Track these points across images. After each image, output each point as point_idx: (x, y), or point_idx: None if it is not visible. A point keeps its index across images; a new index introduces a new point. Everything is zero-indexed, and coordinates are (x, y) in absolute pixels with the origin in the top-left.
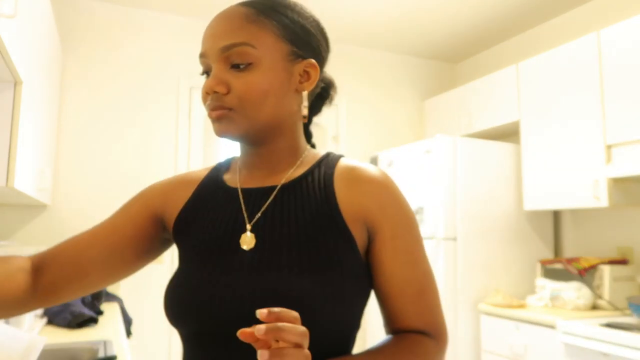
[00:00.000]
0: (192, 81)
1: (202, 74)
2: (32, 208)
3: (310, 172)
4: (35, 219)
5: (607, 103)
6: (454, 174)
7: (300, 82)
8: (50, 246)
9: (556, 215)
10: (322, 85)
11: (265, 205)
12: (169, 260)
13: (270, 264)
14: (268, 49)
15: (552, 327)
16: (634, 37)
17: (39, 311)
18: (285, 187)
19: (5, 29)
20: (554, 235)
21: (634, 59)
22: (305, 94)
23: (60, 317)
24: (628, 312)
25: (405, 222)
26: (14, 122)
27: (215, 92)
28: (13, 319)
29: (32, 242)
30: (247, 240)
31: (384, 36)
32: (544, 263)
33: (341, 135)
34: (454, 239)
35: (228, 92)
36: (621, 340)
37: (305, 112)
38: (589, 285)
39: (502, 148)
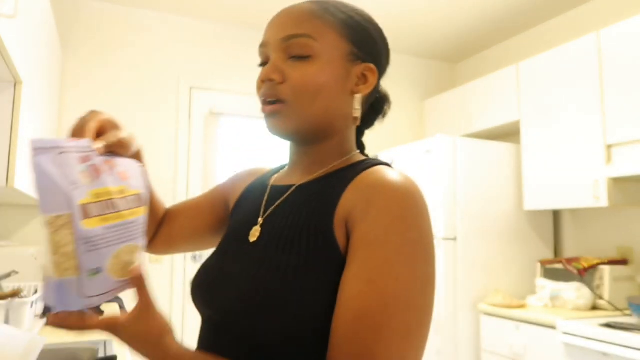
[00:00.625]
0: (192, 81)
1: (260, 65)
2: (32, 208)
3: (332, 174)
4: (36, 219)
5: (607, 103)
6: (454, 174)
7: (357, 85)
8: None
9: (556, 215)
10: (377, 96)
11: (278, 202)
12: (168, 260)
13: (260, 259)
14: (329, 44)
15: (552, 327)
16: (634, 37)
17: (39, 311)
18: (301, 186)
19: (5, 29)
20: (554, 235)
21: (634, 59)
22: (359, 96)
23: None
24: (628, 312)
25: (387, 231)
26: (14, 122)
27: (270, 80)
28: (13, 319)
29: (32, 242)
30: (254, 233)
31: None
32: (544, 263)
33: None
34: (454, 239)
35: (283, 82)
36: (621, 340)
37: (357, 114)
38: (589, 285)
39: (502, 148)
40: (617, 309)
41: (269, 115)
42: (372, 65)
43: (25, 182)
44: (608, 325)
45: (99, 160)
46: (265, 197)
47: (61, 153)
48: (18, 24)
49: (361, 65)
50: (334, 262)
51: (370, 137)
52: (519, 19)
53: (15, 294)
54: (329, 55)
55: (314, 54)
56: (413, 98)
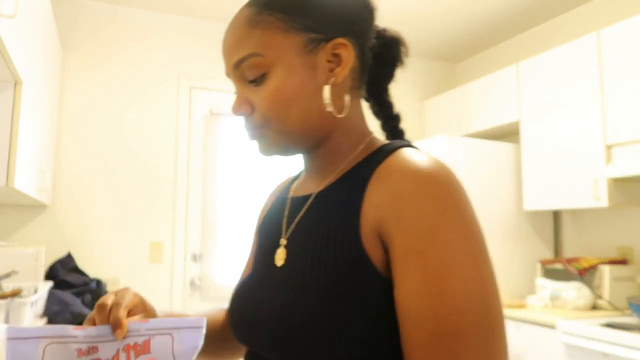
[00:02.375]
0: (192, 81)
1: (235, 93)
2: (32, 208)
3: (349, 173)
4: (35, 219)
5: (607, 103)
6: None
7: (331, 70)
8: (53, 248)
9: (556, 215)
10: (379, 49)
11: (298, 217)
12: (168, 260)
13: (288, 284)
14: (278, 50)
15: (552, 327)
16: (634, 37)
17: (39, 311)
18: (320, 194)
19: (5, 29)
20: (554, 235)
21: (634, 59)
22: (327, 88)
23: (60, 317)
24: (628, 312)
25: (433, 232)
26: (14, 122)
27: (241, 114)
28: (13, 319)
29: (32, 242)
30: (280, 256)
31: None
32: (544, 263)
33: None
34: None
35: (253, 111)
36: (621, 340)
37: (330, 107)
38: (589, 285)
39: (502, 148)
40: (617, 309)
41: (255, 141)
42: (340, 40)
43: (25, 182)
44: (608, 325)
45: (121, 344)
46: (286, 212)
47: (52, 343)
48: (18, 24)
49: (326, 46)
50: (366, 279)
51: None
52: (519, 19)
53: (15, 294)
54: (283, 62)
55: (267, 69)
56: (413, 98)
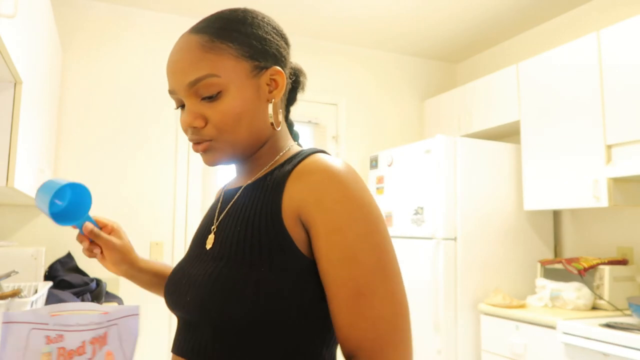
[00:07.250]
0: None
1: (177, 108)
2: (32, 208)
3: (272, 171)
4: (35, 219)
5: (607, 103)
6: (454, 174)
7: (270, 92)
8: (53, 248)
9: (556, 215)
10: (292, 78)
11: (229, 205)
12: (168, 260)
13: (216, 258)
14: (231, 73)
15: (552, 327)
16: (634, 37)
17: None
18: (247, 186)
19: (5, 29)
20: (554, 235)
21: (634, 59)
22: (271, 105)
23: None
24: (628, 312)
25: (345, 215)
26: (14, 122)
27: (193, 127)
28: None
29: (32, 242)
30: (210, 240)
31: (384, 36)
32: (544, 263)
33: (341, 135)
34: (454, 239)
35: (205, 125)
36: (621, 340)
37: (272, 120)
38: (589, 285)
39: (502, 148)
40: (617, 309)
41: (202, 153)
42: (276, 68)
43: (25, 182)
44: (608, 325)
45: (88, 336)
46: (219, 205)
47: (34, 329)
48: (18, 24)
49: (266, 72)
50: (287, 252)
51: (370, 137)
52: (519, 19)
53: (15, 294)
54: (235, 83)
55: (222, 88)
56: (413, 98)
